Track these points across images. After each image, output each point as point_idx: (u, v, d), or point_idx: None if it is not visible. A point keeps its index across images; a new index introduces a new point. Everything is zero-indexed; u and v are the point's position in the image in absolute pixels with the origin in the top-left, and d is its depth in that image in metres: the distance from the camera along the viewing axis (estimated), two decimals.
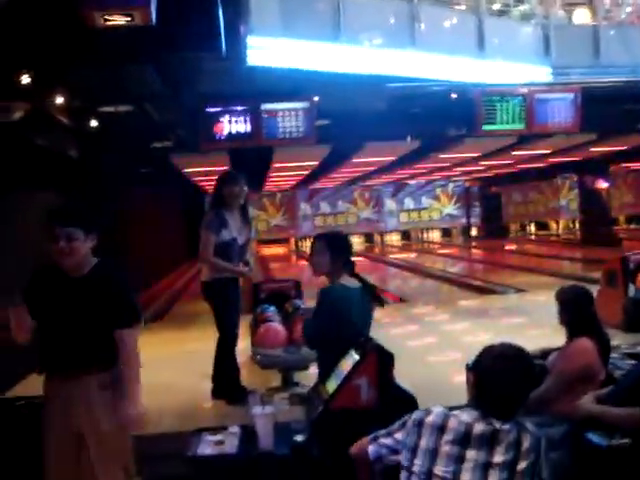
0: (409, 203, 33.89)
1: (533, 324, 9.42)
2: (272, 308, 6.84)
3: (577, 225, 29.79)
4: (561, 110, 10.14)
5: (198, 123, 9.25)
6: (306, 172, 21.07)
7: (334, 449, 3.31)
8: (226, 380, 6.28)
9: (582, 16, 10.79)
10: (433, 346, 8.83)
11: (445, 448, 2.51)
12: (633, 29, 10.53)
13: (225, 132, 9.07)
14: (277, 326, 6.41)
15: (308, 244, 30.62)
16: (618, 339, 5.53)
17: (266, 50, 7.43)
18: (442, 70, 9.02)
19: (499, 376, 2.54)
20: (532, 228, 34.67)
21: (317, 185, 29.15)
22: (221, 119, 9.07)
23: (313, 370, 5.67)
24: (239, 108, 9.10)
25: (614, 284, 8.60)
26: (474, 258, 26.37)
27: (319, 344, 4.30)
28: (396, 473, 2.68)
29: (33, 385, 4.03)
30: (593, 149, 18.23)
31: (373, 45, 8.53)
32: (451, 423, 2.54)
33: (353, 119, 11.35)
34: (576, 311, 4.20)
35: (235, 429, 3.88)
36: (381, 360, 3.64)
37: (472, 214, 34.22)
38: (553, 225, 33.86)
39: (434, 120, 11.77)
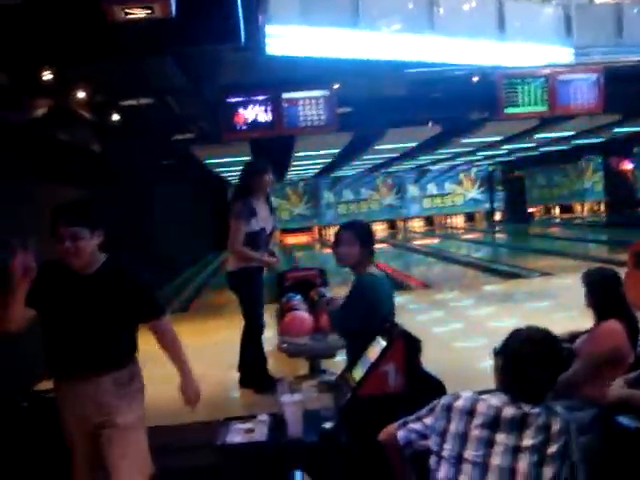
0: (432, 189, 33.80)
1: (559, 307, 9.37)
2: (298, 296, 6.85)
3: (602, 207, 29.52)
4: (584, 91, 10.03)
5: (219, 114, 9.26)
6: (328, 160, 21.04)
7: (363, 436, 3.32)
8: (254, 369, 6.32)
9: None
10: (459, 331, 8.82)
11: (475, 432, 2.51)
12: None
13: (246, 122, 9.08)
14: (303, 314, 6.43)
15: (332, 232, 30.68)
16: None
17: (285, 39, 7.41)
18: (462, 54, 8.94)
19: (527, 360, 2.54)
20: (557, 211, 34.41)
21: (339, 173, 29.11)
22: (242, 109, 9.08)
23: (340, 357, 5.69)
24: (260, 98, 9.09)
25: None
26: (498, 242, 26.24)
27: (353, 333, 4.25)
28: (426, 458, 2.69)
29: None
30: (617, 130, 18.01)
31: (392, 30, 8.47)
32: (480, 407, 2.54)
33: (374, 106, 11.30)
34: (604, 294, 4.17)
35: (264, 417, 3.90)
36: (408, 346, 3.64)
37: (495, 198, 34.03)
38: (578, 208, 33.59)
39: (455, 104, 11.69)
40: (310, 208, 32.66)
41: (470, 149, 21.23)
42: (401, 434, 2.74)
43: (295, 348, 6.20)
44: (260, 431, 3.75)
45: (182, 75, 7.25)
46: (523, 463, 2.47)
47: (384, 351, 3.63)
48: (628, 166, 23.93)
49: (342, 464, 3.53)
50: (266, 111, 9.09)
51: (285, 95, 9.17)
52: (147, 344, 3.58)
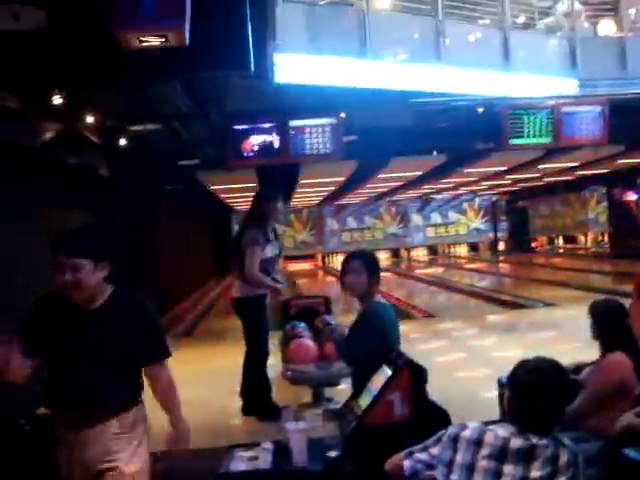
0: (436, 218, 33.85)
1: (563, 338, 9.35)
2: (302, 324, 6.85)
3: (606, 238, 29.51)
4: (589, 122, 10.08)
5: (226, 140, 9.32)
6: (333, 188, 21.12)
7: (368, 465, 3.30)
8: (257, 397, 6.30)
9: (607, 28, 10.74)
10: (462, 361, 8.80)
11: (482, 463, 2.50)
12: None
13: (253, 149, 9.13)
14: (308, 342, 6.42)
15: (335, 260, 30.71)
16: None
17: (293, 67, 7.49)
18: (468, 84, 9.01)
19: (535, 391, 2.53)
20: (560, 241, 34.41)
21: (343, 201, 29.20)
22: (249, 136, 9.13)
23: (344, 385, 5.68)
24: (266, 125, 9.14)
25: None
26: (502, 272, 26.21)
27: (360, 362, 4.22)
28: None
29: None
30: (621, 161, 18.08)
31: (398, 60, 8.56)
32: (488, 438, 2.53)
33: (379, 134, 11.36)
34: (610, 325, 4.16)
35: (268, 445, 3.87)
36: (414, 375, 3.63)
37: (499, 228, 34.06)
38: (581, 238, 33.59)
39: (460, 135, 11.76)
40: (314, 235, 32.69)
41: (474, 179, 21.30)
42: (407, 464, 2.72)
43: (299, 376, 6.18)
44: (264, 459, 3.72)
45: (190, 101, 7.31)
46: None
47: (390, 380, 3.63)
48: (632, 197, 23.95)
49: None
50: (273, 138, 9.14)
51: (292, 123, 9.23)
52: None
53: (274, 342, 6.76)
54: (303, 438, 3.60)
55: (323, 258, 32.33)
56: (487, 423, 2.69)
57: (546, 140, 10.11)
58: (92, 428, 3.05)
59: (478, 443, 2.54)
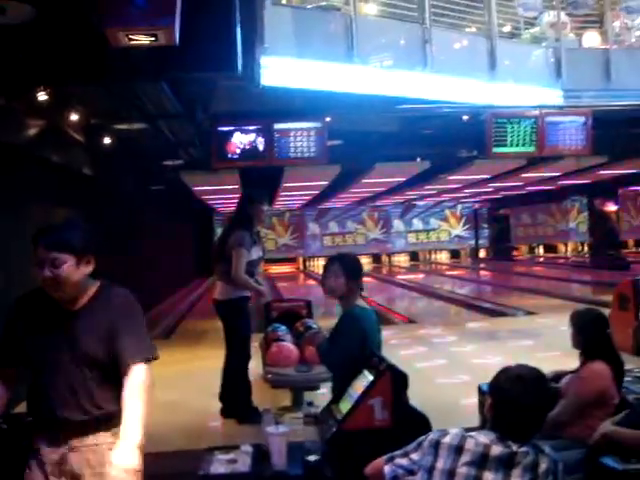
0: (417, 224, 33.95)
1: (542, 346, 9.40)
2: (283, 327, 6.86)
3: (586, 248, 29.74)
4: (572, 133, 10.12)
5: (210, 141, 9.29)
6: (316, 192, 21.12)
7: (347, 469, 3.30)
8: (237, 399, 6.28)
9: (592, 39, 10.83)
10: (442, 368, 8.82)
11: (462, 469, 2.50)
12: None
13: (237, 151, 9.09)
14: (289, 345, 6.42)
15: (316, 263, 30.73)
16: (630, 363, 5.52)
17: (279, 70, 7.47)
18: (453, 92, 9.04)
19: (517, 398, 2.53)
20: (540, 250, 34.64)
21: (326, 205, 29.22)
22: (233, 138, 9.10)
23: (324, 390, 5.67)
24: (251, 127, 9.11)
25: (625, 308, 8.58)
26: (482, 280, 26.33)
27: (341, 366, 4.23)
28: None
29: None
30: (603, 172, 18.23)
31: (385, 66, 8.57)
32: (468, 444, 2.53)
33: (364, 139, 11.39)
34: (591, 334, 4.19)
35: (247, 448, 3.85)
36: (395, 380, 3.64)
37: (480, 236, 34.23)
38: (561, 247, 33.82)
39: (445, 142, 11.82)
40: (295, 239, 32.68)
41: (457, 186, 21.38)
42: (388, 469, 2.72)
43: (280, 379, 6.19)
44: (243, 462, 3.70)
45: (176, 101, 7.29)
46: None
47: (371, 385, 3.63)
48: (612, 207, 24.17)
49: None
50: (257, 141, 9.12)
51: (277, 125, 9.21)
52: None
53: (254, 344, 6.75)
54: (283, 442, 3.59)
55: (304, 262, 32.34)
56: (468, 430, 2.69)
57: (530, 149, 10.14)
58: (82, 442, 2.78)
59: (459, 449, 2.54)
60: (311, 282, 24.25)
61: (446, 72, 8.80)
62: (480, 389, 5.07)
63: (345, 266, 4.26)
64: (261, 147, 9.12)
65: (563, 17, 10.35)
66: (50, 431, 2.81)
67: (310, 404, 5.90)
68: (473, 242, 34.44)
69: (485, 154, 10.57)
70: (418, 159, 14.16)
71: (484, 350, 9.72)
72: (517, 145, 10.06)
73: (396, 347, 9.73)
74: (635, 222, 31.45)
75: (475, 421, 4.92)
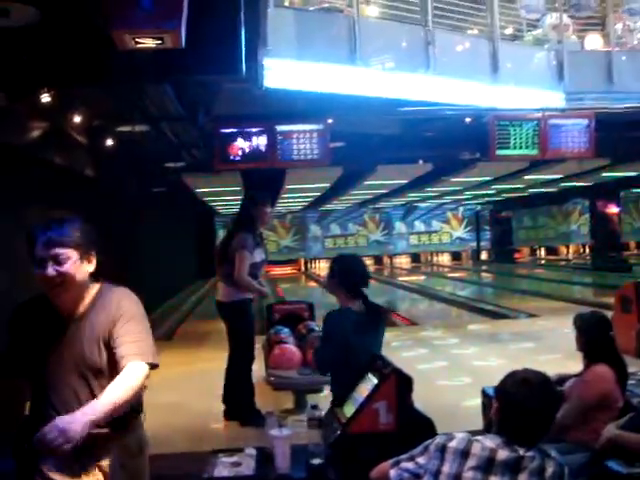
0: (419, 226, 33.95)
1: (544, 349, 9.39)
2: (286, 330, 6.85)
3: (587, 250, 29.72)
4: (575, 136, 10.11)
5: (213, 143, 9.29)
6: (318, 194, 21.13)
7: (351, 473, 3.29)
8: (241, 402, 6.27)
9: (594, 42, 10.81)
10: (443, 370, 8.81)
11: (468, 474, 2.49)
12: None
13: (240, 153, 9.09)
14: (292, 348, 6.41)
15: (317, 265, 30.75)
16: (633, 366, 5.52)
17: (282, 72, 7.47)
18: (456, 94, 9.03)
19: (523, 402, 2.52)
20: (542, 252, 34.62)
21: (328, 207, 29.23)
22: (236, 140, 9.10)
23: (327, 392, 5.66)
24: (254, 129, 9.12)
25: (628, 310, 8.57)
26: (484, 282, 26.31)
27: (328, 368, 4.36)
28: None
29: None
30: (605, 174, 18.22)
31: (387, 68, 8.56)
32: (474, 449, 2.52)
33: (366, 142, 11.39)
34: (594, 337, 4.18)
35: (251, 451, 3.85)
36: (400, 384, 3.62)
37: (482, 238, 34.22)
38: (563, 250, 33.81)
39: (447, 144, 11.81)
40: (297, 241, 32.68)
41: (459, 188, 21.39)
42: (393, 473, 2.71)
43: (283, 381, 6.18)
44: (247, 465, 3.71)
45: (179, 104, 7.29)
46: None
47: (376, 388, 3.62)
48: (614, 210, 24.16)
49: None
50: (260, 143, 9.12)
51: (279, 127, 9.21)
52: None
53: (257, 346, 6.74)
54: (287, 445, 3.59)
55: (306, 264, 32.34)
56: (474, 433, 2.68)
57: (532, 152, 10.13)
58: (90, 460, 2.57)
59: (465, 454, 2.53)
60: (312, 284, 24.25)
61: (448, 74, 8.78)
62: (484, 392, 5.06)
63: (337, 266, 4.38)
64: (263, 149, 9.12)
65: (565, 19, 10.33)
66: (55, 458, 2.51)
67: (314, 407, 5.89)
68: (475, 244, 34.43)
69: (488, 156, 10.55)
70: (420, 161, 14.16)
71: (485, 352, 9.72)
72: (520, 148, 10.05)
73: (397, 349, 9.74)
74: (637, 224, 31.46)
75: (476, 423, 4.91)
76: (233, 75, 5.27)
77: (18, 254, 3.04)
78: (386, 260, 33.49)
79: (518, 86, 9.57)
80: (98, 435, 2.51)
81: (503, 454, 2.50)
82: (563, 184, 21.46)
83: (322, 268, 29.80)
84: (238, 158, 9.14)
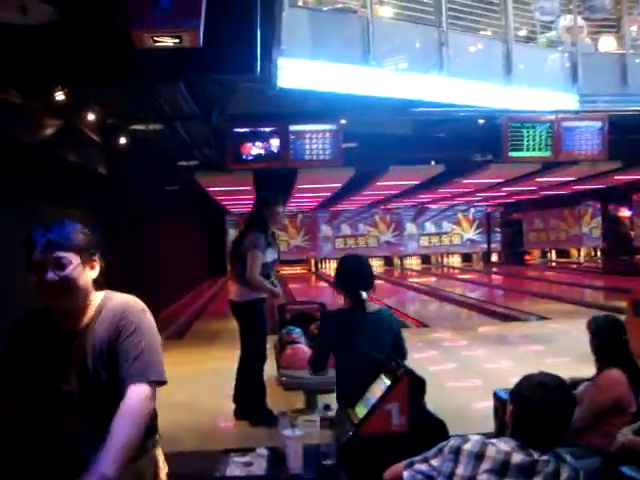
0: (430, 227, 33.88)
1: (554, 352, 9.35)
2: (298, 330, 6.86)
3: (599, 253, 29.60)
4: (588, 138, 10.09)
5: (226, 143, 9.31)
6: (329, 194, 21.13)
7: (363, 474, 3.29)
8: (253, 401, 6.28)
9: (608, 44, 10.77)
10: (453, 372, 8.79)
11: (483, 477, 2.48)
12: None
13: (252, 152, 9.12)
14: (304, 348, 6.42)
15: (328, 265, 30.74)
16: None
17: (295, 72, 7.48)
18: (469, 95, 9.02)
19: (539, 405, 2.52)
20: (553, 255, 34.50)
21: (338, 207, 29.22)
22: (249, 139, 9.12)
23: None
24: (267, 129, 9.14)
25: None
26: (494, 284, 26.24)
27: (318, 368, 4.45)
28: None
29: None
30: (617, 177, 18.14)
31: (400, 69, 8.56)
32: (489, 452, 2.52)
33: (378, 142, 11.38)
34: (608, 341, 4.16)
35: (263, 451, 3.86)
36: (412, 385, 3.63)
37: (493, 240, 34.13)
38: (574, 253, 33.67)
39: (460, 145, 11.78)
40: (307, 241, 32.68)
41: (471, 189, 21.34)
42: (407, 475, 2.70)
43: (294, 382, 6.18)
44: (259, 465, 3.71)
45: (193, 103, 7.30)
46: None
47: (388, 389, 3.62)
48: (626, 213, 24.04)
49: None
50: (273, 142, 9.14)
51: (292, 127, 9.22)
52: None
53: (268, 346, 6.76)
54: (299, 445, 3.59)
55: (316, 264, 32.35)
56: (486, 436, 2.68)
57: (545, 154, 10.11)
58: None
59: (479, 457, 2.53)
60: (323, 284, 24.24)
61: (462, 76, 8.77)
62: (495, 395, 5.04)
63: (339, 268, 4.43)
64: (276, 149, 9.15)
65: (580, 21, 10.30)
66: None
67: (327, 407, 5.90)
68: (485, 246, 34.33)
69: (501, 158, 10.54)
70: (432, 162, 14.14)
71: (495, 355, 9.70)
72: (533, 150, 10.04)
73: (408, 350, 9.71)
74: None
75: (486, 426, 4.90)
76: (248, 74, 5.28)
77: None
78: (396, 261, 33.44)
79: (532, 88, 9.55)
80: None
81: (518, 457, 2.49)
82: (575, 187, 21.38)
83: (332, 268, 29.76)
84: (251, 158, 9.17)
